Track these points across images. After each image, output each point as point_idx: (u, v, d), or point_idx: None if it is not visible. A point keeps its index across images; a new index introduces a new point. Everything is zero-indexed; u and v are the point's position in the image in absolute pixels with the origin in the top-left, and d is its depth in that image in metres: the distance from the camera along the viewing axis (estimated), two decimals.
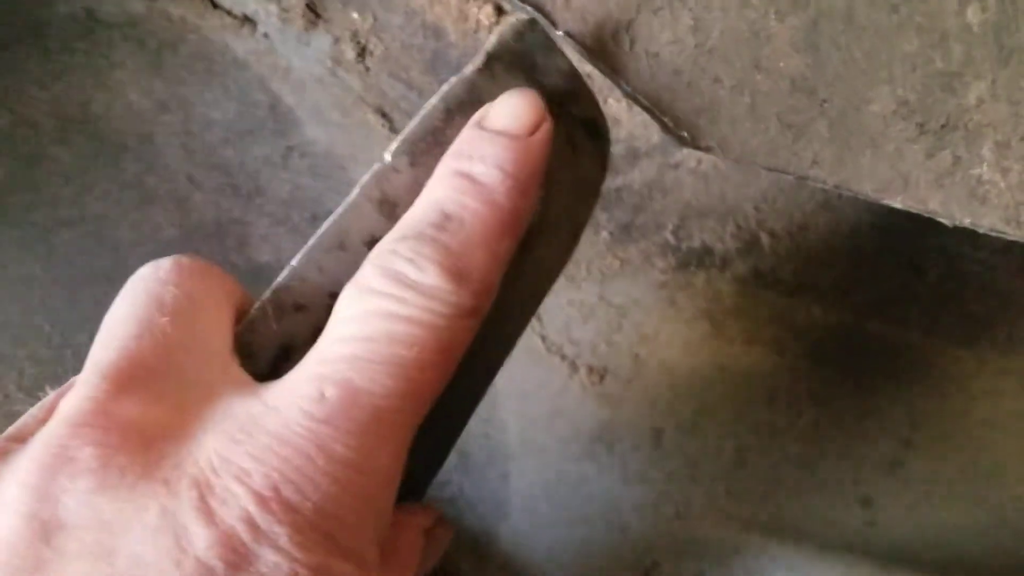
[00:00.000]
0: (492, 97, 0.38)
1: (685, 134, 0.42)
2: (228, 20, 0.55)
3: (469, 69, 0.38)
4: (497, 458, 0.59)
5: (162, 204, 0.54)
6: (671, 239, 0.61)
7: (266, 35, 0.56)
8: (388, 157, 0.37)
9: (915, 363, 0.63)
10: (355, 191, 0.36)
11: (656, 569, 0.60)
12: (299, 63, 0.56)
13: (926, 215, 0.44)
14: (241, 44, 0.55)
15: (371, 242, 0.36)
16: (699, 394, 0.60)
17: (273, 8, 0.55)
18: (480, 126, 0.36)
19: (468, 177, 0.35)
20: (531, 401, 0.59)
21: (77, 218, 0.53)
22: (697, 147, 0.42)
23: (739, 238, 0.61)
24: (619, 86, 0.42)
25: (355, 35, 0.56)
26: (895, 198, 0.44)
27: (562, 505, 0.59)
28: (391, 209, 0.36)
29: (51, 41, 0.53)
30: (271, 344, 0.35)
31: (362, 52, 0.57)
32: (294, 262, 0.35)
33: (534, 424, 0.55)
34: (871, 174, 0.43)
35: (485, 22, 0.56)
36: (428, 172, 0.36)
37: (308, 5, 0.55)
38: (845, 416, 0.62)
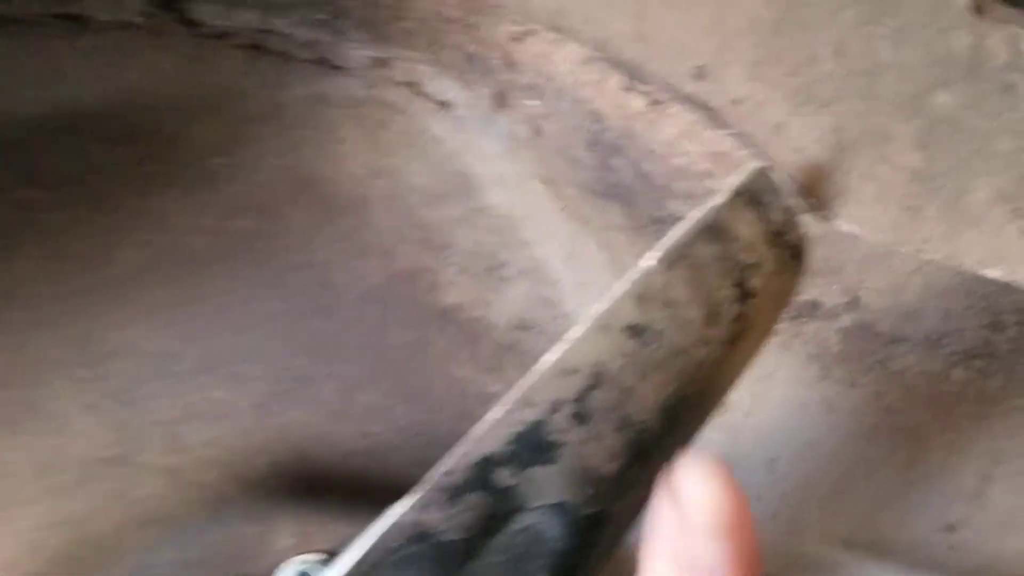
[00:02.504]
0: (732, 223, 0.48)
1: (825, 213, 0.53)
2: (430, 104, 0.67)
3: (717, 200, 0.48)
4: None
5: (373, 254, 0.66)
6: None
7: (460, 117, 0.67)
8: (649, 262, 0.47)
9: (995, 406, 0.72)
10: (620, 287, 0.46)
11: None
12: (484, 140, 0.67)
13: (1016, 285, 0.54)
14: (439, 124, 0.67)
15: (628, 327, 0.45)
16: (809, 428, 0.70)
17: (467, 96, 0.67)
18: (690, 525, 0.38)
19: None
20: None
21: (305, 263, 0.65)
22: (834, 223, 0.53)
23: (844, 294, 0.71)
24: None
25: (531, 119, 0.68)
26: (993, 270, 0.54)
27: None
28: (646, 302, 0.46)
29: (288, 118, 0.65)
30: (547, 399, 0.44)
31: (536, 132, 0.68)
32: (568, 335, 0.44)
33: None
34: (973, 249, 0.54)
35: (639, 110, 0.67)
36: (677, 277, 0.46)
37: (496, 93, 0.67)
38: (934, 451, 0.71)
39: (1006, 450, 0.72)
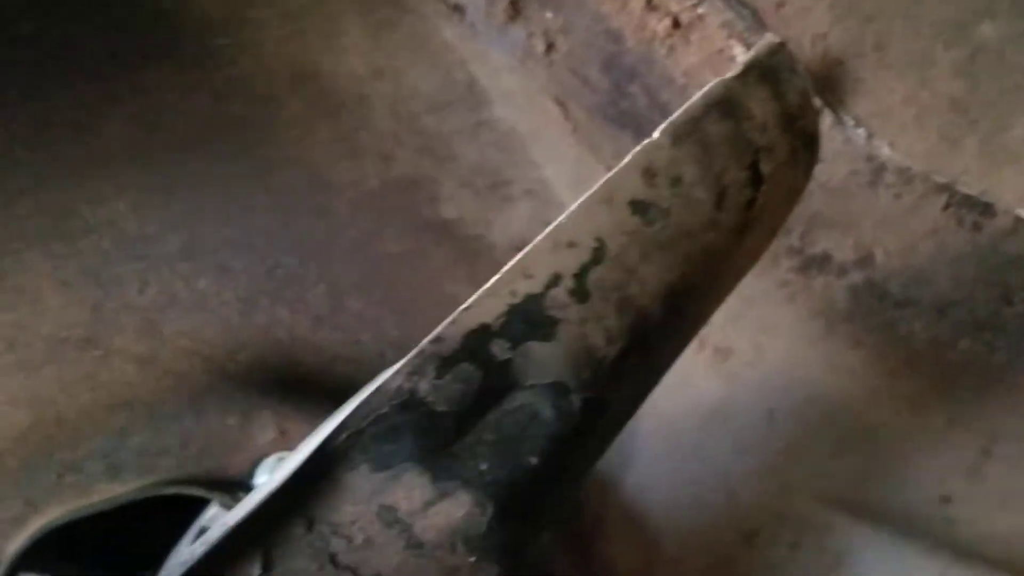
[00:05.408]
0: (745, 100, 0.44)
1: (862, 131, 0.50)
2: (442, 7, 0.63)
3: (729, 75, 0.45)
4: None
5: (369, 157, 0.62)
6: (797, 243, 0.68)
7: (472, 24, 0.64)
8: (656, 135, 0.43)
9: (999, 382, 0.69)
10: (627, 159, 0.43)
11: (756, 535, 0.66)
12: (496, 50, 0.64)
13: None
14: (450, 29, 0.63)
15: (631, 203, 0.42)
16: (809, 384, 0.67)
17: (481, 1, 0.63)
18: None
19: None
20: None
21: (296, 159, 0.61)
22: (870, 144, 0.50)
23: (856, 251, 0.68)
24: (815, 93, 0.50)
25: (546, 32, 0.65)
26: None
27: (679, 465, 0.66)
28: (651, 177, 0.43)
29: (291, 5, 0.61)
30: (545, 272, 0.41)
31: (550, 47, 0.65)
32: (571, 208, 0.41)
33: (664, 390, 0.62)
34: (1011, 187, 0.51)
35: (661, 33, 0.64)
36: (685, 153, 0.43)
37: (511, 2, 0.64)
38: (934, 421, 0.69)
39: (1006, 428, 0.69)
